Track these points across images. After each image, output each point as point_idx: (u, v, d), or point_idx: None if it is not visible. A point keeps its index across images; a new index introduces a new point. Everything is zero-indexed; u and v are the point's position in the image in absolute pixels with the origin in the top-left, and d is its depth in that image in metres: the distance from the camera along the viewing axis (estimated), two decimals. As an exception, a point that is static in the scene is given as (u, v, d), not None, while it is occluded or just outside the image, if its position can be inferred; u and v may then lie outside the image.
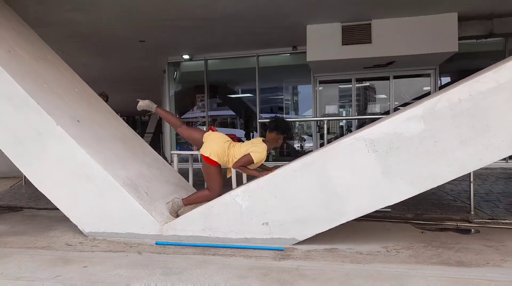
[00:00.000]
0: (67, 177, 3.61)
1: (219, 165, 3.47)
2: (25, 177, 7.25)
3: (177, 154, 5.52)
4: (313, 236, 3.17)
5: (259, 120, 9.11)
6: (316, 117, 9.26)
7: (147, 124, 20.66)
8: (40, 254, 3.15)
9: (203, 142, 3.53)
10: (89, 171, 3.54)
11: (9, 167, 8.22)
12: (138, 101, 3.83)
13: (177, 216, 3.55)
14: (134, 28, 7.13)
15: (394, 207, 4.26)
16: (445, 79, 9.04)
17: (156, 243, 3.35)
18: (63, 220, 4.06)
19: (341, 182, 3.07)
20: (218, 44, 8.65)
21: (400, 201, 3.03)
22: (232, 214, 3.28)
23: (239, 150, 3.38)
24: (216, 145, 3.41)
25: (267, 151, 3.35)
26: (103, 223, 3.58)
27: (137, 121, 23.70)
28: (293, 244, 3.20)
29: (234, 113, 11.57)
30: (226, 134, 3.64)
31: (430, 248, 3.14)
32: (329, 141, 5.43)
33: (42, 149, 3.64)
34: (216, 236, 3.31)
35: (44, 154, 3.64)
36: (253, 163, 3.31)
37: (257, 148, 3.31)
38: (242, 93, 11.32)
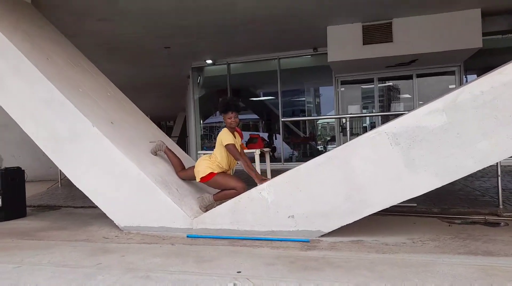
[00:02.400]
0: (103, 175, 3.84)
1: (218, 172, 3.77)
2: (60, 179, 7.66)
3: (203, 154, 5.69)
4: (339, 229, 3.25)
5: (282, 119, 9.22)
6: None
7: (173, 129, 21.16)
8: (81, 245, 3.38)
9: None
10: (123, 169, 3.76)
11: (45, 171, 8.77)
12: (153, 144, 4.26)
13: (206, 210, 3.71)
14: (159, 36, 7.41)
15: (419, 202, 4.29)
16: (471, 77, 8.85)
17: (187, 236, 3.52)
18: (99, 217, 4.30)
19: (364, 175, 3.14)
20: (239, 48, 8.83)
21: (425, 192, 3.07)
22: (259, 207, 3.40)
23: (216, 149, 3.89)
24: (201, 165, 3.83)
25: (229, 131, 3.86)
26: (137, 217, 3.78)
27: (162, 126, 24.28)
28: (319, 236, 3.29)
29: (256, 116, 11.71)
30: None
31: (457, 240, 3.16)
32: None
33: (80, 149, 3.89)
34: (244, 229, 3.44)
35: (82, 153, 3.89)
36: (233, 143, 3.75)
37: (220, 136, 3.83)
38: (264, 96, 11.45)
